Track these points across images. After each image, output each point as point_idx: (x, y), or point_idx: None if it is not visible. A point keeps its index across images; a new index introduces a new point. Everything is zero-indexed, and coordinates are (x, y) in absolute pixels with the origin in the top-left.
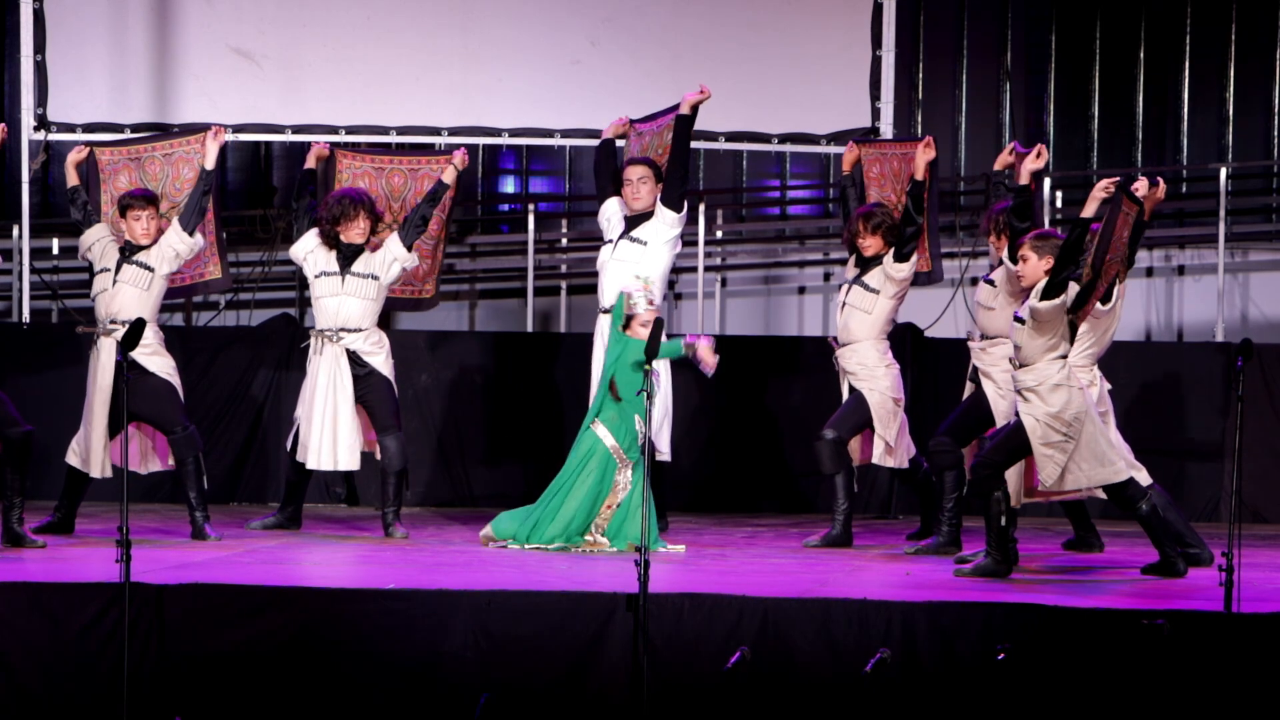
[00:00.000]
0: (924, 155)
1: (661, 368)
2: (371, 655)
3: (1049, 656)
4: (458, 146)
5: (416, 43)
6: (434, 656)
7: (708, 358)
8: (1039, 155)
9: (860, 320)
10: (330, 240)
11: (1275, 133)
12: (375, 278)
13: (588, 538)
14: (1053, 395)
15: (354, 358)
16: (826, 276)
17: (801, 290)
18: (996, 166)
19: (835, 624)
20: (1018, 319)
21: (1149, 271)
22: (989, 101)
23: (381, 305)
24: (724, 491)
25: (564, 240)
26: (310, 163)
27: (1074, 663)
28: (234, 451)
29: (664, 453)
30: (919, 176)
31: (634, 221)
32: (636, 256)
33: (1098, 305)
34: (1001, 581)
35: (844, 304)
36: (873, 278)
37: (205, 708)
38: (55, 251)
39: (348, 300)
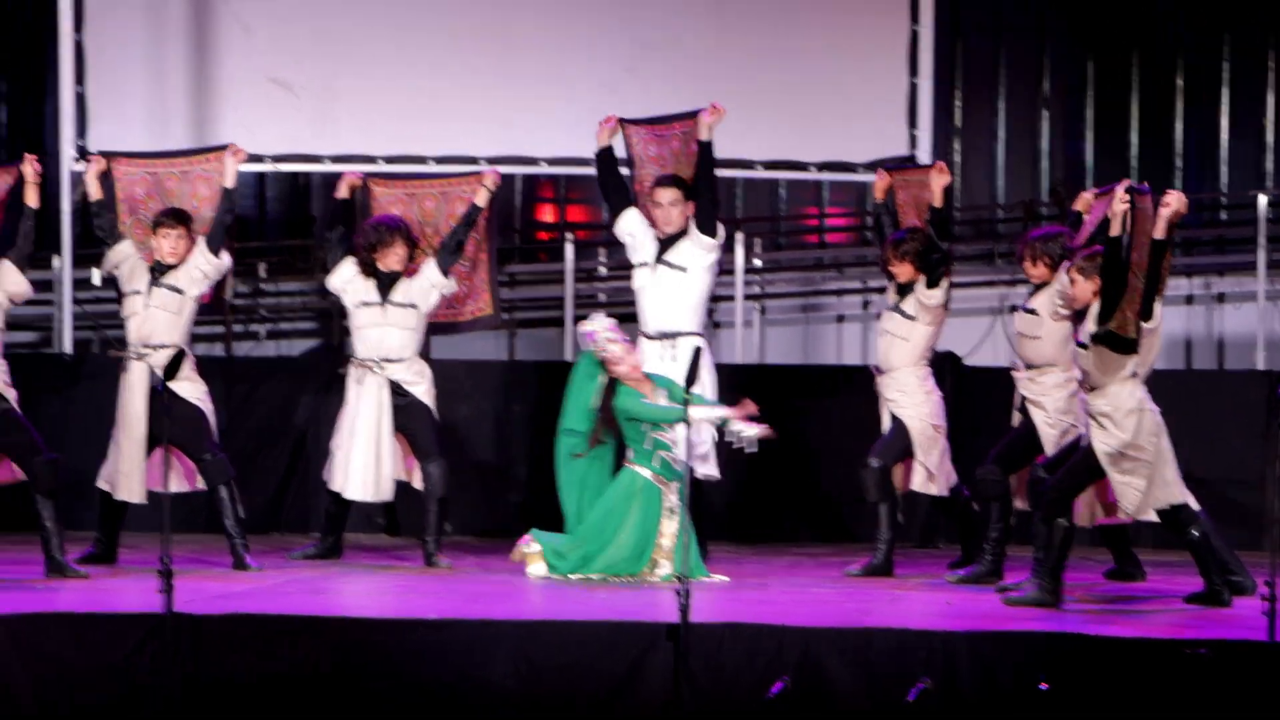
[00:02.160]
0: (938, 181)
1: (707, 388)
2: (413, 684)
3: (1091, 686)
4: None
5: (453, 72)
6: (476, 685)
7: (747, 431)
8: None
9: (899, 348)
10: (368, 269)
11: None
12: (415, 306)
13: (646, 569)
14: (1127, 420)
15: (395, 387)
16: (865, 305)
17: (840, 319)
18: (1077, 207)
19: (876, 653)
20: (1080, 344)
21: (1189, 299)
22: (1026, 129)
23: (423, 333)
24: (764, 520)
25: (602, 269)
26: (342, 192)
27: (1117, 692)
28: (275, 481)
29: (714, 473)
30: (936, 203)
31: (667, 244)
32: (677, 281)
33: (1142, 324)
34: (1043, 611)
35: (884, 331)
36: (909, 304)
37: None
38: (96, 282)
39: (390, 330)
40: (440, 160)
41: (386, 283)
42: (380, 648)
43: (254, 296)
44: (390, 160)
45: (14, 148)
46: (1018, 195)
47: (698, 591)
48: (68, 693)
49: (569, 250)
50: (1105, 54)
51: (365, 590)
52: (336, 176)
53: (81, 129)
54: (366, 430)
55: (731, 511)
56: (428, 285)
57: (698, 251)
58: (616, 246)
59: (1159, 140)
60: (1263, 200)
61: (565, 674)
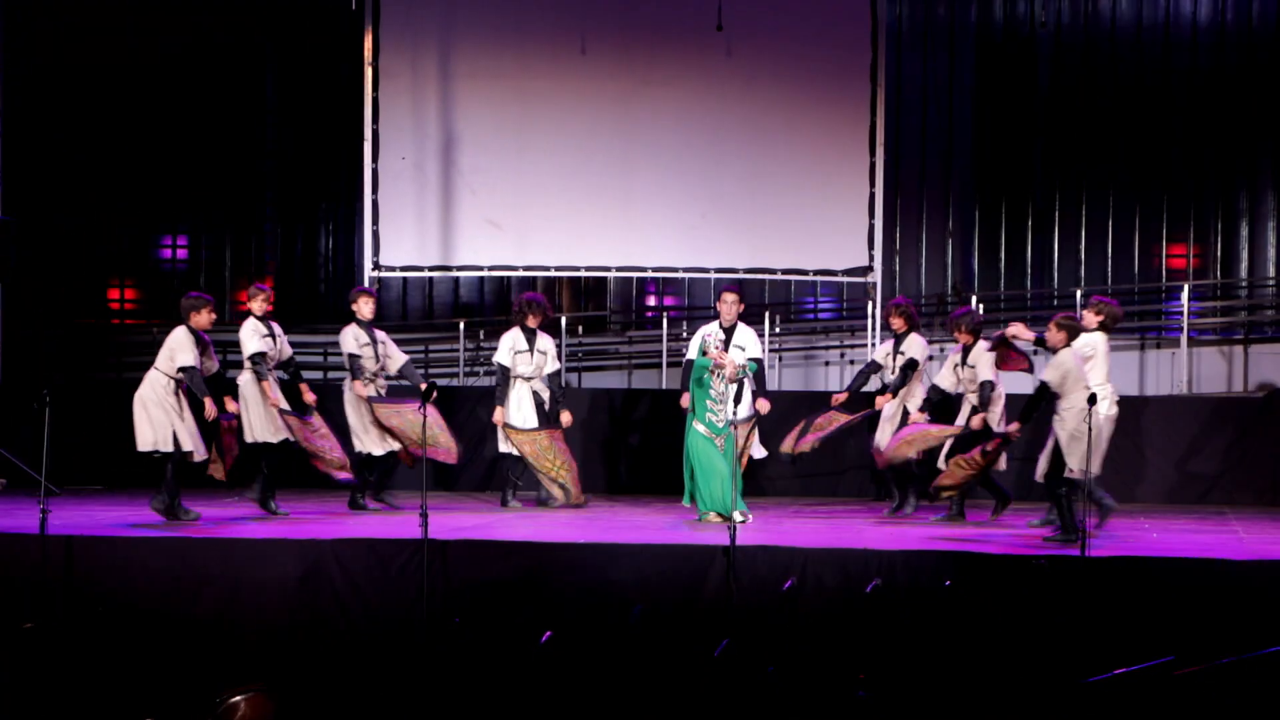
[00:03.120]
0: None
1: (745, 392)
2: (568, 581)
3: (977, 584)
4: (621, 277)
5: (597, 215)
6: (605, 583)
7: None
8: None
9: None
10: (522, 326)
11: (1109, 267)
12: (545, 353)
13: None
14: (1072, 419)
15: (535, 397)
16: (842, 355)
17: (826, 364)
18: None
19: (848, 563)
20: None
21: (1035, 352)
22: (939, 249)
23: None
24: (778, 481)
25: (684, 334)
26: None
27: (991, 588)
28: (487, 461)
29: (761, 453)
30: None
31: (729, 332)
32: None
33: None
34: (952, 528)
35: (899, 369)
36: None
37: (475, 615)
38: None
39: (533, 366)
40: (589, 269)
41: (530, 337)
42: (550, 560)
43: (477, 350)
44: (559, 269)
45: (337, 262)
46: (933, 289)
47: (741, 526)
48: (370, 583)
49: (664, 322)
50: (986, 204)
51: (539, 524)
52: (527, 279)
53: (375, 251)
54: (520, 417)
55: (760, 476)
56: (548, 347)
57: (753, 346)
58: (693, 320)
59: (1016, 256)
60: (1079, 294)
61: (661, 576)
